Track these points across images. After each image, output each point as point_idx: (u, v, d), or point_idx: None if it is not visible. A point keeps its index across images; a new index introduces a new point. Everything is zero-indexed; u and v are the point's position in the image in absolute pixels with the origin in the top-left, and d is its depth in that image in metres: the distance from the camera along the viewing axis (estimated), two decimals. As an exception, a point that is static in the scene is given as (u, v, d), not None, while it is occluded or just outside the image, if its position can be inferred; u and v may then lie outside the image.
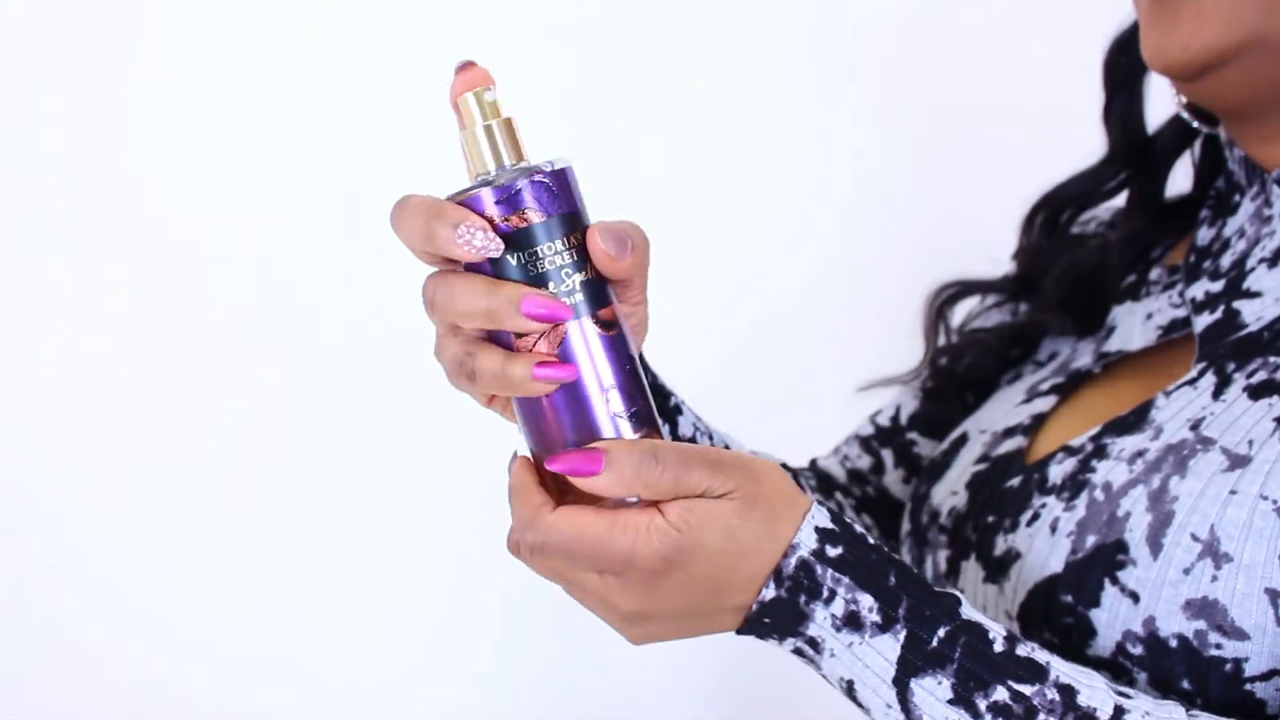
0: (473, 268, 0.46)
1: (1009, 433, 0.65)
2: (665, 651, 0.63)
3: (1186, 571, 0.50)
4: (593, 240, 0.46)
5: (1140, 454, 0.55)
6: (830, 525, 0.48)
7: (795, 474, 0.74)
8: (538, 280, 0.45)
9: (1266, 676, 0.49)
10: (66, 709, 1.08)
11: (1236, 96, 0.57)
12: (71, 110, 1.03)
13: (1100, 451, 0.57)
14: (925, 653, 0.46)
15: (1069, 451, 0.59)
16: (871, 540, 0.48)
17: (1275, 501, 0.50)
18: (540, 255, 0.45)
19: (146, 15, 1.03)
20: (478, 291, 0.45)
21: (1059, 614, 0.54)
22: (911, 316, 0.80)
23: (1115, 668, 0.52)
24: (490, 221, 0.45)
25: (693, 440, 0.60)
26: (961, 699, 0.46)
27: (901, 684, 0.46)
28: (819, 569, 0.47)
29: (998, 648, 0.47)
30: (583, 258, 0.46)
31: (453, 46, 1.08)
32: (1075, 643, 0.53)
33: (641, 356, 0.55)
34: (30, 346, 1.05)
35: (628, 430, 0.47)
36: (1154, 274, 0.67)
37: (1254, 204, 0.60)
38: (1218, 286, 0.60)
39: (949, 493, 0.66)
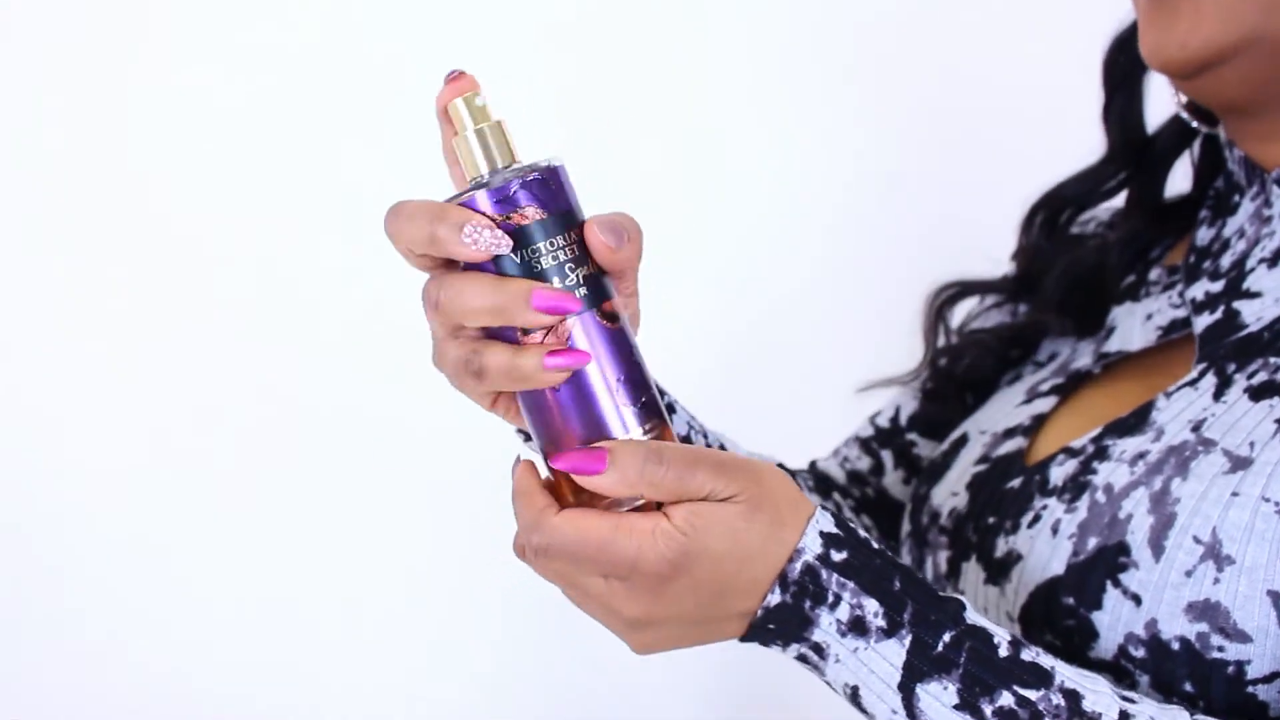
0: (472, 268, 0.46)
1: (1009, 433, 0.65)
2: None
3: (1188, 574, 0.50)
4: (591, 233, 0.46)
5: (1141, 456, 0.55)
6: (834, 530, 0.48)
7: (793, 475, 0.74)
8: (541, 277, 0.45)
9: (1269, 679, 0.49)
10: (66, 709, 1.08)
11: (1235, 94, 0.57)
12: (71, 110, 1.03)
13: (1101, 453, 0.57)
14: (930, 658, 0.46)
15: (1070, 453, 0.59)
16: (875, 544, 0.48)
17: (1277, 503, 0.50)
18: (542, 251, 0.45)
19: (146, 15, 1.03)
20: (485, 288, 0.44)
21: (1061, 616, 0.54)
22: (911, 316, 0.80)
23: (1117, 670, 0.52)
24: (492, 221, 0.45)
25: (687, 440, 0.60)
26: (967, 704, 0.46)
27: (907, 689, 0.46)
28: (824, 574, 0.47)
29: (1003, 653, 0.47)
30: (582, 252, 0.46)
31: (453, 46, 1.08)
32: (1077, 645, 0.53)
33: None
34: (30, 346, 1.05)
35: (636, 422, 0.47)
36: (1153, 274, 0.67)
37: (1254, 204, 0.60)
38: (1217, 287, 0.60)
39: (949, 493, 0.66)
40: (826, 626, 0.47)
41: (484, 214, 0.45)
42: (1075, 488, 0.57)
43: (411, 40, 1.08)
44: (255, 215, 1.07)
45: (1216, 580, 0.49)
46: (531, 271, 0.45)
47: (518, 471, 0.49)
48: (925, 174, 1.19)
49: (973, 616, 0.48)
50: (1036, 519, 0.57)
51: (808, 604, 0.46)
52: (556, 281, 0.45)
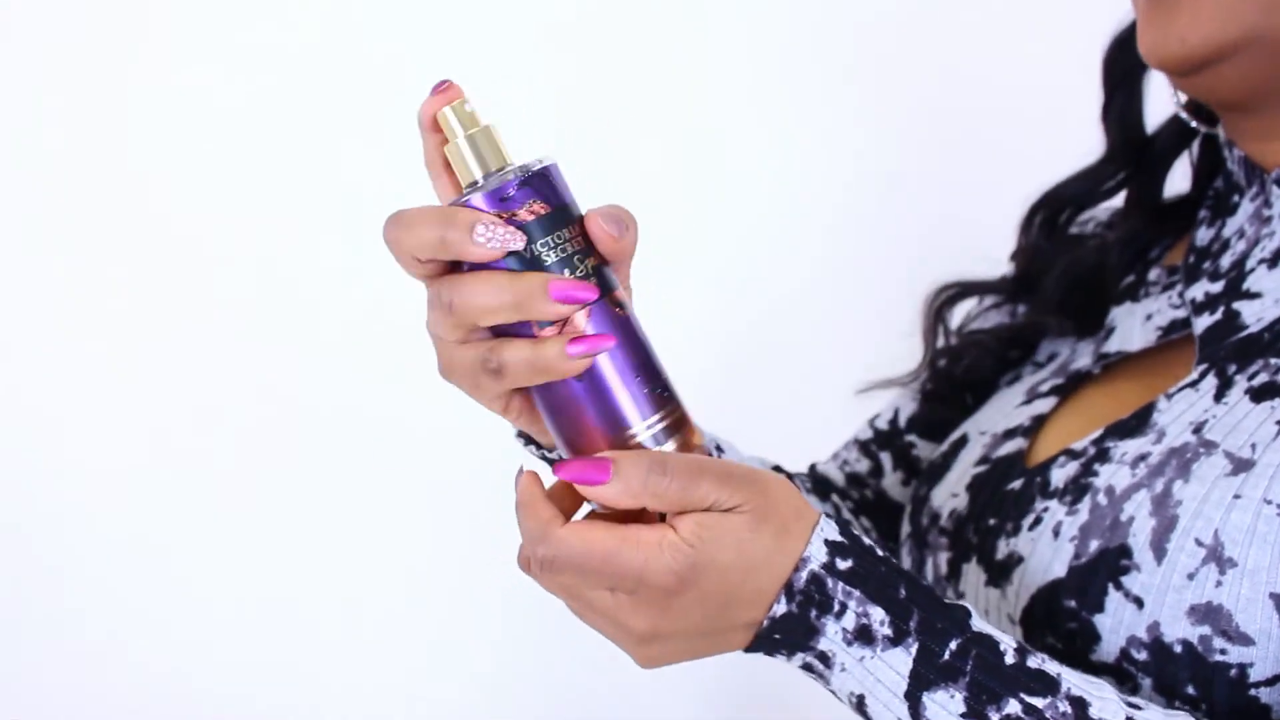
0: (478, 269, 0.45)
1: (1009, 434, 0.65)
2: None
3: (1191, 576, 0.50)
4: (594, 224, 0.46)
5: (1143, 458, 0.55)
6: (839, 538, 0.47)
7: (791, 479, 0.74)
8: (549, 271, 0.45)
9: (1272, 682, 0.49)
10: (66, 709, 1.08)
11: (1234, 92, 0.57)
12: (71, 110, 1.03)
13: (1102, 455, 0.57)
14: (937, 666, 0.46)
15: (1071, 455, 0.59)
16: (880, 552, 0.48)
17: (1279, 505, 0.50)
18: (551, 245, 0.45)
19: (146, 15, 1.03)
20: (500, 285, 0.44)
21: (1062, 619, 0.54)
22: (911, 317, 0.79)
23: (1119, 673, 0.52)
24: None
25: None
26: (974, 712, 0.46)
27: (913, 698, 0.46)
28: (830, 582, 0.46)
29: (1009, 660, 0.47)
30: (586, 244, 0.46)
31: (452, 47, 1.08)
32: (1079, 648, 0.53)
33: None
34: (30, 346, 1.05)
35: (653, 410, 0.47)
36: (1153, 274, 0.67)
37: (1253, 204, 0.60)
38: (1217, 287, 0.60)
39: (949, 494, 0.66)
40: (832, 635, 0.46)
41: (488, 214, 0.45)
42: (1076, 490, 0.57)
43: (411, 40, 1.08)
44: (255, 215, 1.07)
45: (1219, 583, 0.49)
46: (540, 266, 0.45)
47: (521, 482, 0.48)
48: (925, 174, 1.19)
49: (979, 624, 0.47)
50: (1038, 521, 0.57)
51: (814, 613, 0.46)
52: (567, 274, 0.45)
